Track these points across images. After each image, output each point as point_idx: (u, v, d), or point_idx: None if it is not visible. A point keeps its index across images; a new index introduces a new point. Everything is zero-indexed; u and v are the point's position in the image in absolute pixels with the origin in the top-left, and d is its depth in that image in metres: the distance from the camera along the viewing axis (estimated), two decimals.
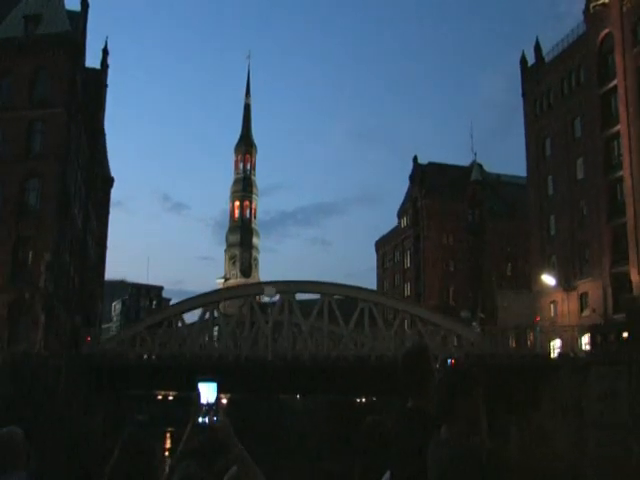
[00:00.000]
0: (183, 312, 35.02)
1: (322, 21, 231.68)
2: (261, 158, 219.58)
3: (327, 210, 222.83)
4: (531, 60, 50.01)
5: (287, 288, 34.89)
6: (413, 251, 64.86)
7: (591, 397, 25.15)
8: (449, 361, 29.78)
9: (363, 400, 46.35)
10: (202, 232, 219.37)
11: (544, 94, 47.42)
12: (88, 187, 50.32)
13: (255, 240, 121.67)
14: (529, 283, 46.45)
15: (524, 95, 49.90)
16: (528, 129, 48.96)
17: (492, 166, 66.77)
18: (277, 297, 35.20)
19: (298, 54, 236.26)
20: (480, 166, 66.47)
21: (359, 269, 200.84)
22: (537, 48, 48.96)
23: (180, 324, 35.94)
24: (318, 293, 35.77)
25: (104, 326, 72.10)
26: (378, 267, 75.10)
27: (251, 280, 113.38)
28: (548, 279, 40.65)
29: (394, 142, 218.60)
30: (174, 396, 56.55)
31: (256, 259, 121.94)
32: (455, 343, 32.59)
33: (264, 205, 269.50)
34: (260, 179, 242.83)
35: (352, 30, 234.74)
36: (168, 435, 45.13)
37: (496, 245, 59.09)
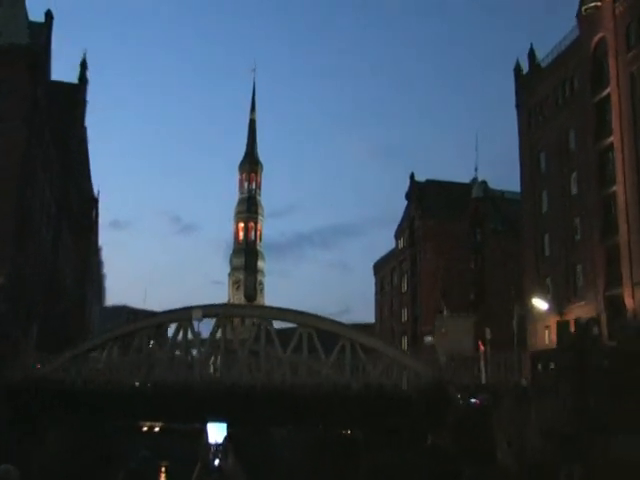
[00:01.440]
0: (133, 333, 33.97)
1: (336, 32, 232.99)
2: (274, 177, 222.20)
3: (346, 232, 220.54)
4: (526, 68, 48.49)
5: (222, 311, 35.05)
6: (410, 274, 63.64)
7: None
8: (472, 401, 29.11)
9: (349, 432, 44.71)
10: (213, 254, 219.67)
11: (538, 104, 46.03)
12: (60, 207, 49.82)
13: (260, 263, 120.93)
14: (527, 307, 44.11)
15: (518, 106, 48.55)
16: (522, 142, 47.68)
17: (500, 183, 65.05)
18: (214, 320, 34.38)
19: (308, 66, 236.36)
20: (484, 183, 65.25)
21: None
22: (531, 55, 47.65)
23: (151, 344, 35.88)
24: (288, 322, 35.59)
25: (92, 354, 71.48)
26: (377, 292, 74.12)
27: (256, 305, 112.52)
28: (539, 303, 38.77)
29: (416, 159, 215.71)
30: (161, 427, 55.31)
31: (261, 283, 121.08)
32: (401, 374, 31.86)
33: (278, 226, 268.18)
34: (274, 199, 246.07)
35: (370, 42, 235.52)
36: (163, 469, 43.97)
37: (499, 266, 57.51)
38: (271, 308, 34.98)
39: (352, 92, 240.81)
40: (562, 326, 32.95)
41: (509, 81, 49.35)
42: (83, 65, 54.80)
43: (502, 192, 64.60)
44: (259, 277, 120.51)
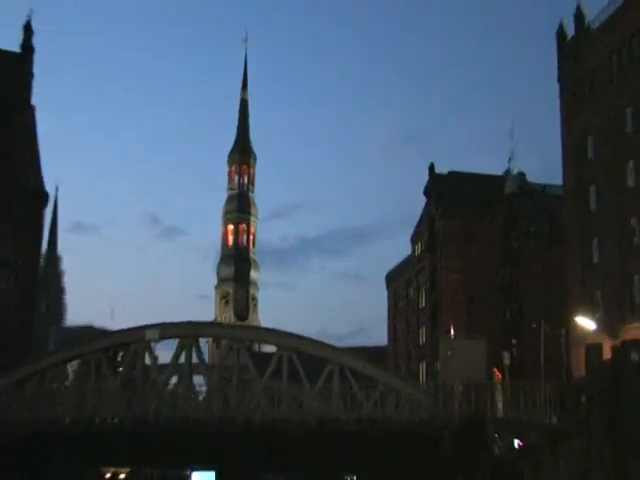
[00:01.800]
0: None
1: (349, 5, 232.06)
2: (272, 170, 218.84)
3: (361, 236, 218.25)
4: (572, 33, 46.45)
5: (184, 332, 34.86)
6: (429, 287, 62.39)
7: None
8: (517, 442, 29.36)
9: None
10: (199, 263, 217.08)
11: (586, 77, 44.02)
12: None
13: (254, 274, 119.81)
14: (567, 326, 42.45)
15: (560, 80, 46.72)
16: (565, 124, 45.77)
17: (541, 175, 63.43)
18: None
19: (311, 42, 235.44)
20: (521, 175, 63.97)
21: None
22: (578, 16, 45.48)
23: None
24: (264, 343, 35.29)
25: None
26: (390, 308, 73.06)
27: (248, 324, 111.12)
28: (585, 323, 37.36)
29: (442, 149, 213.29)
30: (127, 474, 53.84)
31: (255, 298, 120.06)
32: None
33: (278, 229, 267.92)
34: (272, 197, 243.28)
35: (387, 15, 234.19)
36: None
37: (538, 277, 56.56)
38: (246, 328, 35.47)
39: (365, 71, 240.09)
40: (592, 350, 31.03)
41: (550, 49, 47.42)
42: (27, 30, 53.16)
43: (543, 186, 63.13)
44: (252, 290, 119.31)
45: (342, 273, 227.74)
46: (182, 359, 35.17)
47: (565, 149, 45.77)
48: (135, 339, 35.24)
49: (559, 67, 47.21)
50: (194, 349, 35.33)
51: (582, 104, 44.50)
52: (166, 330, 34.98)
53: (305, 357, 33.40)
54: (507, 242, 58.58)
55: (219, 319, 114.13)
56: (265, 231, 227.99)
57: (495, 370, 32.90)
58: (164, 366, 36.49)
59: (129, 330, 35.63)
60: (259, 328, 37.44)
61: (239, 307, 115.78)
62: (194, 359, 36.14)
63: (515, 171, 62.43)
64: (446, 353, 37.45)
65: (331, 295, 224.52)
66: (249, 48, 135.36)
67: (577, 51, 45.37)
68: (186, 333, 34.89)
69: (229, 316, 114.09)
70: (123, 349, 37.51)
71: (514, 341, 55.78)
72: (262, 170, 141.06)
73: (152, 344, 35.49)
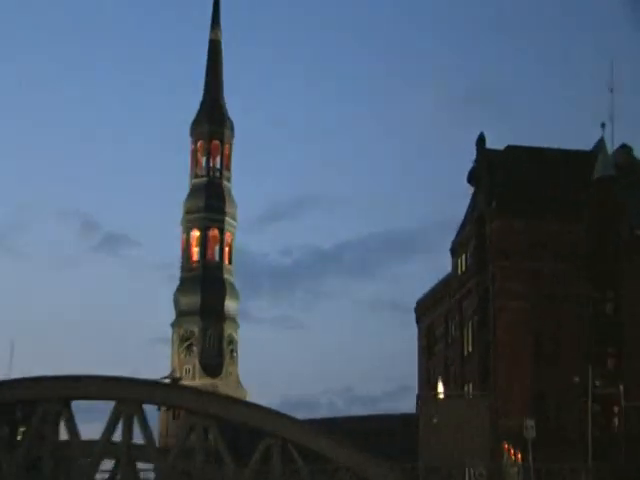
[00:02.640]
0: None
1: None
2: (266, 150, 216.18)
3: (397, 246, 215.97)
4: None
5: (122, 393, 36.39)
6: (478, 321, 61.68)
7: None
8: None
9: None
10: (154, 287, 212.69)
11: None
12: None
13: (231, 304, 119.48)
14: None
15: None
16: None
17: None
18: None
19: None
20: (627, 148, 65.19)
21: None
22: None
23: None
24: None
25: None
26: (421, 352, 73.30)
27: (223, 382, 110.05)
28: None
29: (512, 117, 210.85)
30: None
31: (233, 340, 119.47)
32: None
33: (276, 239, 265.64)
34: (266, 190, 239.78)
35: None
36: None
37: None
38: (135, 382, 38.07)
39: (398, 13, 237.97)
40: None
41: None
42: None
43: None
44: (228, 329, 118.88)
45: (371, 300, 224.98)
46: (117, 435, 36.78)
47: None
48: (45, 397, 35.82)
49: None
50: (136, 420, 36.47)
51: None
52: (93, 387, 36.23)
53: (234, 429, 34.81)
54: (601, 252, 59.13)
55: (177, 373, 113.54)
56: (256, 240, 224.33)
57: (506, 446, 33.03)
58: (90, 443, 37.54)
59: (36, 382, 36.58)
60: (158, 383, 41.16)
61: (208, 356, 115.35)
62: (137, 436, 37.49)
63: (613, 146, 62.87)
64: (430, 420, 36.87)
65: (356, 334, 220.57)
66: None
67: None
68: (124, 395, 35.90)
69: (192, 369, 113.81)
70: (25, 412, 38.34)
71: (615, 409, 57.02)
72: (246, 148, 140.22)
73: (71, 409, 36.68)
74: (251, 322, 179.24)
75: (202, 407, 37.05)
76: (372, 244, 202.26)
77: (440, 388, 51.65)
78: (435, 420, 37.31)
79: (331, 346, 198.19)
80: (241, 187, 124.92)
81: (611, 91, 63.43)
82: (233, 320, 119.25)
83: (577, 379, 55.44)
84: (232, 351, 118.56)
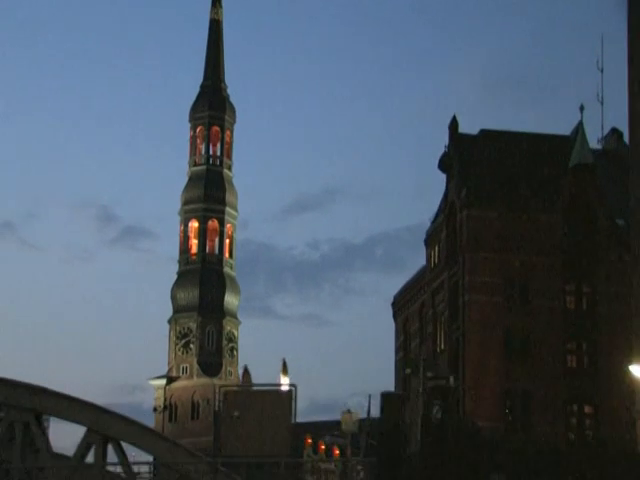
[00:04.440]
0: None
1: None
2: (285, 138, 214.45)
3: None
4: None
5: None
6: (448, 317, 60.73)
7: None
8: None
9: None
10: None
11: None
12: None
13: (231, 299, 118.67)
14: None
15: None
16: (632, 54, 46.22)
17: None
18: None
19: None
20: (617, 132, 64.98)
21: None
22: None
23: None
24: None
25: None
26: (397, 348, 72.13)
27: (222, 381, 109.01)
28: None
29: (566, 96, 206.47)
30: None
31: (233, 338, 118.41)
32: None
33: (301, 232, 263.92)
34: (291, 181, 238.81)
35: None
36: None
37: (620, 300, 56.31)
38: None
39: None
40: None
41: None
42: None
43: None
44: (228, 327, 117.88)
45: None
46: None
47: (631, 90, 46.88)
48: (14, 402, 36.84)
49: None
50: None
51: None
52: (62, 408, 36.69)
53: None
54: (576, 244, 58.90)
55: (174, 372, 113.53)
56: (279, 233, 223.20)
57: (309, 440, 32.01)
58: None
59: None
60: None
61: (206, 353, 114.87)
62: None
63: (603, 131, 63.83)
64: (231, 414, 36.58)
65: (387, 332, 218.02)
66: None
67: None
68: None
69: (189, 367, 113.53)
70: None
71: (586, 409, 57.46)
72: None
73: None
74: (276, 319, 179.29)
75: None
76: (404, 238, 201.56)
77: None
78: (236, 414, 36.07)
79: (361, 345, 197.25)
80: (263, 177, 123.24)
81: (601, 71, 62.34)
82: (232, 315, 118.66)
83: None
84: (232, 349, 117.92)
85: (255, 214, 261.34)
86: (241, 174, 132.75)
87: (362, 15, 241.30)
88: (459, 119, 61.68)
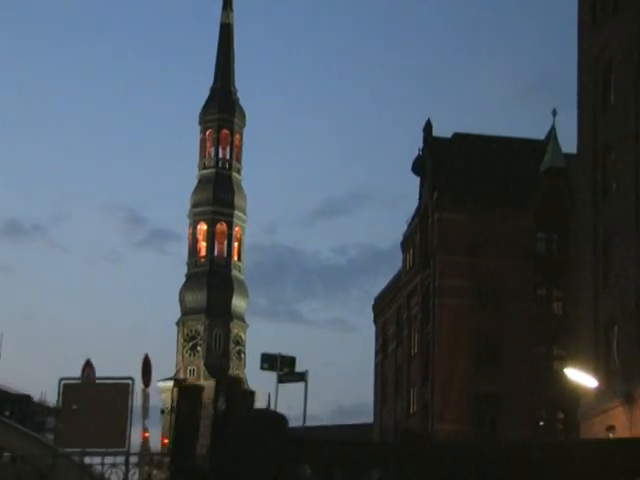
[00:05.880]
0: None
1: None
2: (293, 136, 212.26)
3: None
4: None
5: None
6: (421, 320, 61.91)
7: None
8: None
9: None
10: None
11: None
12: None
13: (238, 302, 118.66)
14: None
15: None
16: (581, 55, 45.82)
17: None
18: None
19: None
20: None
21: None
22: None
23: None
24: None
25: None
26: (377, 352, 73.17)
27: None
28: (576, 375, 38.94)
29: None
30: None
31: (240, 340, 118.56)
32: None
33: (329, 237, 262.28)
34: (320, 184, 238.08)
35: None
36: None
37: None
38: None
39: None
40: None
41: None
42: None
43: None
44: (235, 329, 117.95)
45: None
46: None
47: (581, 92, 45.77)
48: None
49: None
50: None
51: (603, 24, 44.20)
52: None
53: None
54: (547, 248, 60.09)
55: (181, 374, 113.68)
56: (306, 238, 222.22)
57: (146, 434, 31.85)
58: None
59: None
60: None
61: (214, 355, 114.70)
62: None
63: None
64: (70, 406, 37.98)
65: None
66: None
67: None
68: None
69: (197, 369, 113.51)
70: None
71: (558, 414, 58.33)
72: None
73: None
74: (305, 324, 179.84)
75: None
76: None
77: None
78: (75, 407, 36.69)
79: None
80: (291, 182, 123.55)
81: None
82: (240, 319, 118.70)
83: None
84: (239, 352, 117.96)
85: (282, 218, 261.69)
86: (250, 178, 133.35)
87: (378, 18, 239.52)
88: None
